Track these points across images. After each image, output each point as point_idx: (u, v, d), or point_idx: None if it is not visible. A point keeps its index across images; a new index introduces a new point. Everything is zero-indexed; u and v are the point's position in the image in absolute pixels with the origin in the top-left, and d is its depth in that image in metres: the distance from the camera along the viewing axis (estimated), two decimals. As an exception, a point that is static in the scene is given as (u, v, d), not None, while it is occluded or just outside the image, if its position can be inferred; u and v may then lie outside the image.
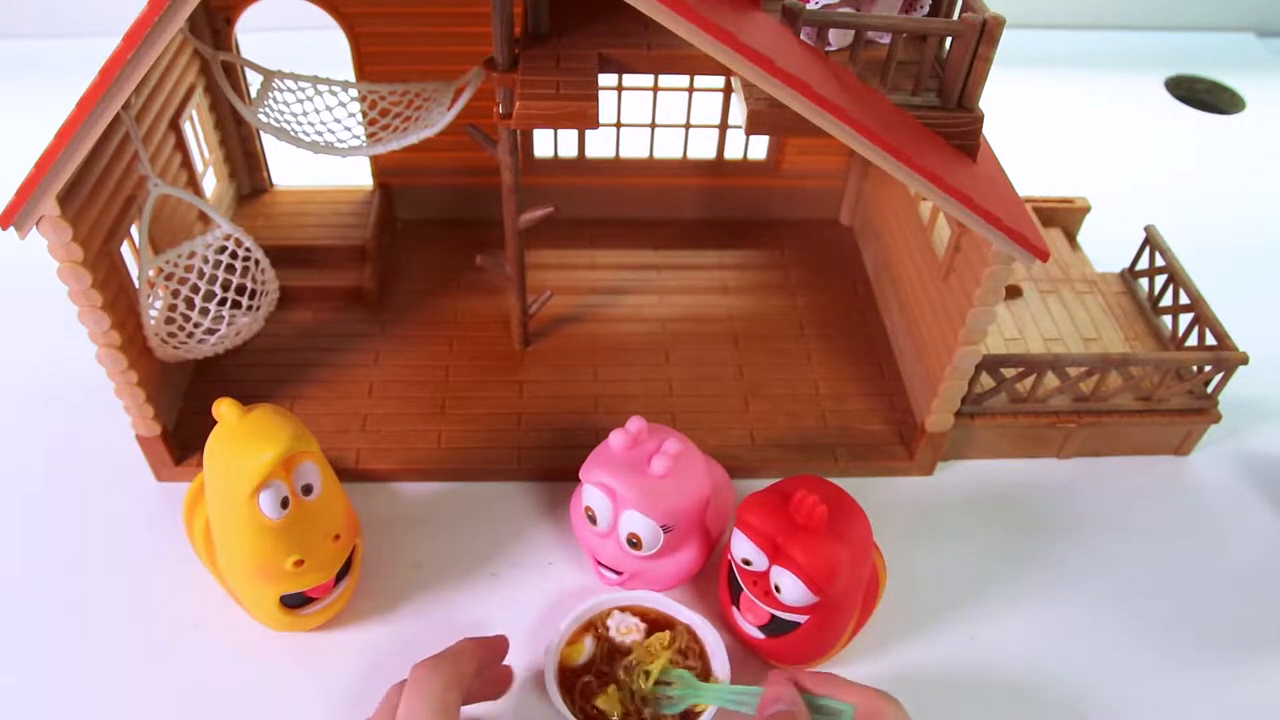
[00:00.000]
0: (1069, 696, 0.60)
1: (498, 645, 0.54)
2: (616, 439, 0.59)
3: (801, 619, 0.56)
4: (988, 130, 0.60)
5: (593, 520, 0.60)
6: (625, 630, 0.58)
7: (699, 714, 0.55)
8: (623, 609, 0.59)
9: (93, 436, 0.71)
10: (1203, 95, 1.18)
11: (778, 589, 0.55)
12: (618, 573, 0.62)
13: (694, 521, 0.60)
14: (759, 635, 0.58)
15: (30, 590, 0.63)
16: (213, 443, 0.54)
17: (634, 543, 0.58)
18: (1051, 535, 0.68)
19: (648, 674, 0.56)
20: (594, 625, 0.59)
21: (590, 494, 0.59)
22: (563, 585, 0.63)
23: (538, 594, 0.63)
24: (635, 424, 0.59)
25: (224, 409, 0.54)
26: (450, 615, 0.62)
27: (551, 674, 0.56)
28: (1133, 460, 0.74)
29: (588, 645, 0.58)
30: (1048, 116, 1.10)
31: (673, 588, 0.62)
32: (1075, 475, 0.73)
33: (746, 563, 0.56)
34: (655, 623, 0.59)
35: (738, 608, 0.58)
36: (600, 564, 0.62)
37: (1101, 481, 0.72)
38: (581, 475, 0.60)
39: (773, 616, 0.56)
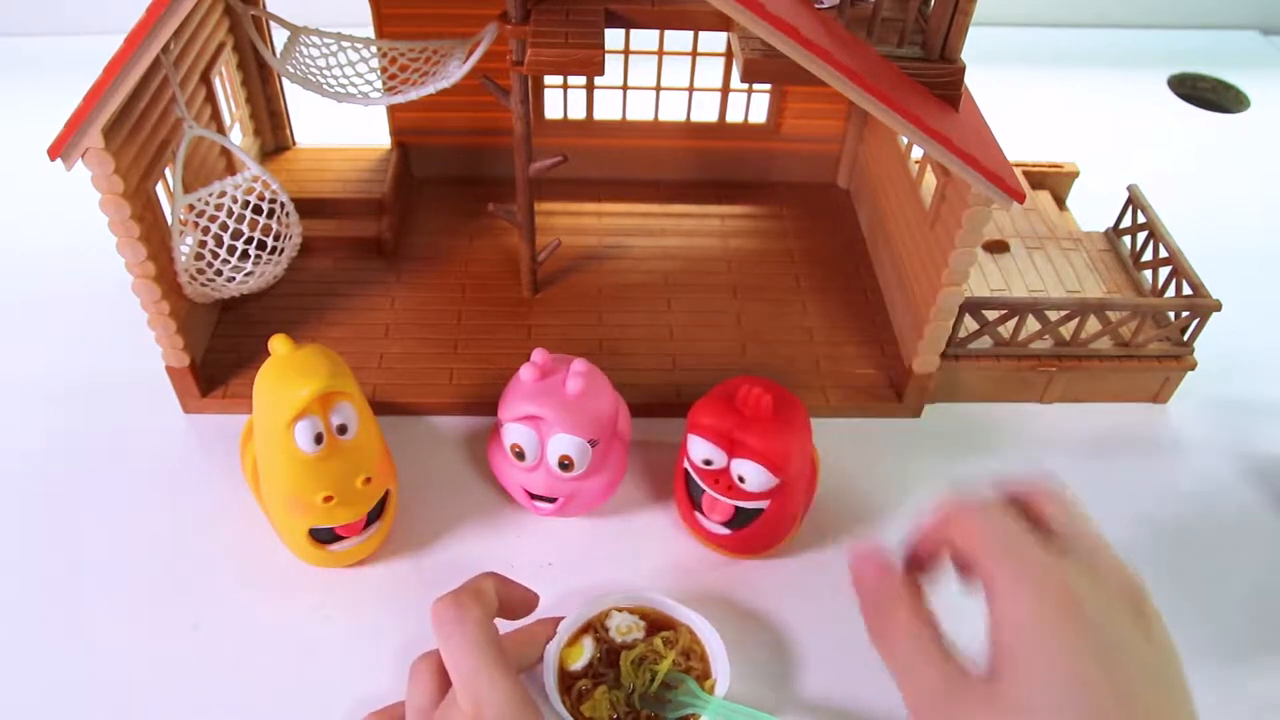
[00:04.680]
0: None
1: (527, 597, 0.53)
2: (526, 372, 0.61)
3: (764, 504, 0.61)
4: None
5: (520, 457, 0.62)
6: (625, 630, 0.59)
7: None
8: (621, 609, 0.60)
9: (123, 371, 0.75)
10: (1207, 93, 1.19)
11: (741, 479, 0.59)
12: (551, 500, 0.64)
13: (612, 430, 0.64)
14: (725, 531, 0.63)
15: (65, 509, 0.67)
16: (262, 373, 0.57)
17: (566, 465, 0.61)
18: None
19: (654, 675, 0.56)
20: (593, 626, 0.59)
21: (513, 431, 0.61)
22: (561, 586, 0.63)
23: (538, 594, 0.63)
24: (540, 355, 0.62)
25: (277, 344, 0.57)
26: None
27: (551, 677, 0.56)
28: (1112, 407, 0.77)
29: (587, 646, 0.58)
30: (1049, 114, 1.11)
31: (604, 501, 0.66)
32: (1056, 419, 0.76)
33: (707, 463, 0.60)
34: (655, 623, 0.60)
35: (700, 511, 0.63)
36: (533, 497, 0.65)
37: (1082, 426, 0.76)
38: (501, 415, 0.62)
39: (736, 510, 0.61)
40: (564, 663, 0.57)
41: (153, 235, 0.64)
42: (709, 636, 0.59)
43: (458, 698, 0.47)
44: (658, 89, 0.88)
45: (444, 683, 0.49)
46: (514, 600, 0.53)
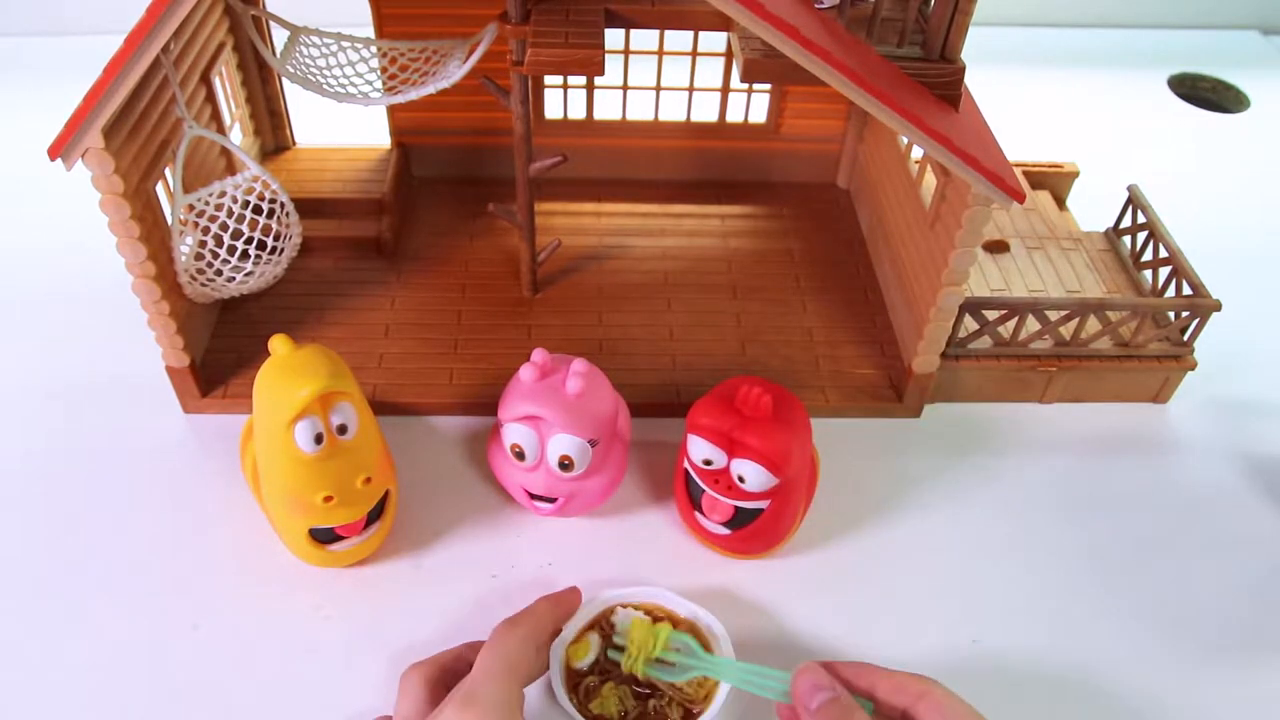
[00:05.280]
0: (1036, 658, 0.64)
1: (572, 600, 0.58)
2: (526, 373, 0.61)
3: (764, 504, 0.61)
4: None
5: (520, 457, 0.62)
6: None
7: (700, 714, 0.55)
8: (626, 606, 0.60)
9: (123, 371, 0.75)
10: (1207, 93, 1.19)
11: (741, 479, 0.59)
12: (551, 500, 0.64)
13: (612, 430, 0.64)
14: (725, 531, 0.63)
15: (65, 509, 0.67)
16: (262, 374, 0.57)
17: (566, 465, 0.61)
18: (1027, 476, 0.72)
19: (656, 636, 0.56)
20: (598, 624, 0.59)
21: (513, 431, 0.62)
22: (562, 586, 0.62)
23: (537, 595, 0.61)
24: (540, 355, 0.62)
25: (277, 344, 0.57)
26: (450, 617, 0.62)
27: (558, 675, 0.56)
28: (1112, 407, 0.77)
29: (593, 644, 0.58)
30: (1049, 114, 1.11)
31: (604, 501, 0.66)
32: (1056, 419, 0.76)
33: (707, 463, 0.60)
34: (660, 620, 0.59)
35: (700, 511, 0.63)
36: (533, 497, 0.65)
37: (1082, 426, 0.76)
38: (501, 415, 0.62)
39: (736, 510, 0.61)
40: (570, 660, 0.58)
41: (153, 235, 0.64)
42: (715, 631, 0.59)
43: (459, 688, 0.49)
44: (658, 89, 0.88)
45: (432, 694, 0.51)
46: (564, 606, 0.58)
